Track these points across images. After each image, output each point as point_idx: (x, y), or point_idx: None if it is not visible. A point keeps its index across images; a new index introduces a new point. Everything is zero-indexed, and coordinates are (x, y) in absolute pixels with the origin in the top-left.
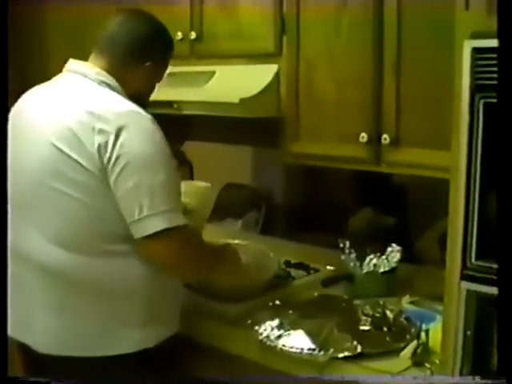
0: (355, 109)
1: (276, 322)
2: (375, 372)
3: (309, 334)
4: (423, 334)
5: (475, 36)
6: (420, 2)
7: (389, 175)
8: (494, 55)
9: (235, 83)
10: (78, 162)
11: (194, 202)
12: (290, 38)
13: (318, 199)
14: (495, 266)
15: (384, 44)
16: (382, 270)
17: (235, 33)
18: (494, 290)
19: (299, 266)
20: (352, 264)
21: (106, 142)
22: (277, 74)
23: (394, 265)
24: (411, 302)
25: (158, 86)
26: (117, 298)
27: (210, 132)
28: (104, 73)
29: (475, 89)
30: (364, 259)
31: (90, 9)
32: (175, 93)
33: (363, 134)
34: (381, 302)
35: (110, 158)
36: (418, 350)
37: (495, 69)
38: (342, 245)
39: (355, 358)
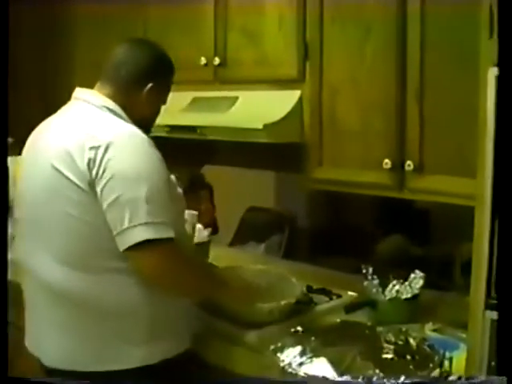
0: (379, 135)
1: (298, 349)
2: None
3: (331, 361)
4: (446, 363)
5: None
6: (443, 29)
7: (411, 201)
8: None
9: (258, 109)
10: (72, 181)
11: None
12: (314, 64)
13: (340, 224)
14: None
15: (407, 71)
16: (404, 296)
17: (258, 58)
18: None
19: (321, 291)
20: (375, 290)
21: (95, 157)
22: (300, 100)
23: (416, 291)
24: (434, 330)
25: (181, 110)
26: (119, 316)
27: (232, 156)
28: (107, 99)
29: None
30: (387, 285)
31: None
32: (199, 118)
33: (387, 161)
34: (403, 329)
35: (97, 173)
36: None
37: None
38: (364, 270)
39: None
